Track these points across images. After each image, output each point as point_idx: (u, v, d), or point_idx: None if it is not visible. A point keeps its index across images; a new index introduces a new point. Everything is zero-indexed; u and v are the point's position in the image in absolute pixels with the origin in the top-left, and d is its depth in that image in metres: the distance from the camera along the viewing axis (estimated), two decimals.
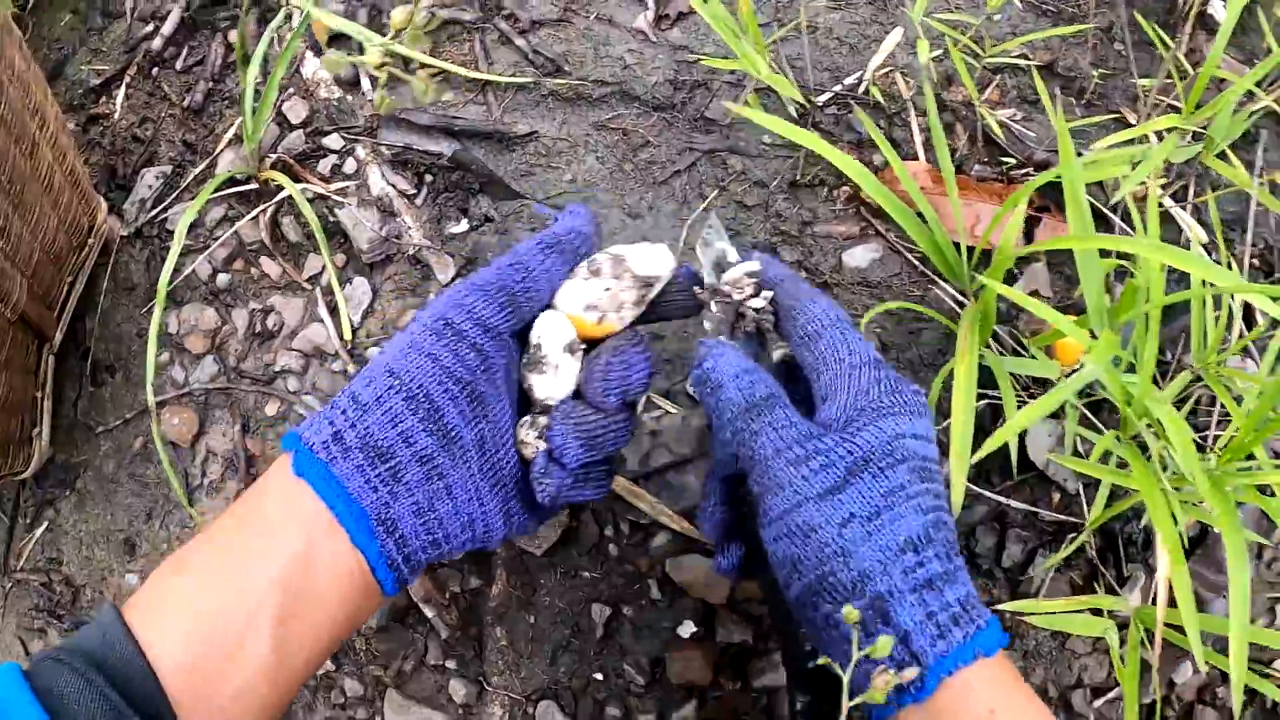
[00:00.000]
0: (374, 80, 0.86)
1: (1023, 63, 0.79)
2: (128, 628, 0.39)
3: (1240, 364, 0.78)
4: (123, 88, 0.91)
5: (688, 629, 0.71)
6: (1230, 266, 0.80)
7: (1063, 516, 0.71)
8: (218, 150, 0.86)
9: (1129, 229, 0.78)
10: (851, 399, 0.46)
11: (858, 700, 0.40)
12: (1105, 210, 0.77)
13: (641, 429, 0.73)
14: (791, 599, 0.45)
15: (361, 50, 0.66)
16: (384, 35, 0.79)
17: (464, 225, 0.80)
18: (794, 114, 0.77)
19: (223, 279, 0.82)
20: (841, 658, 0.41)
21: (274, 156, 0.83)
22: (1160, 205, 0.78)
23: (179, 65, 0.91)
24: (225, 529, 0.45)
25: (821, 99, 0.79)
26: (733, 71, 0.80)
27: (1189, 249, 0.78)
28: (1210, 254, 0.80)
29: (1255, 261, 0.81)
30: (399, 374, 0.45)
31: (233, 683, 0.40)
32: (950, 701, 0.40)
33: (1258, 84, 0.80)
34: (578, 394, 0.50)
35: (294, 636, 0.42)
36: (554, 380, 0.49)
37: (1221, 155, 0.76)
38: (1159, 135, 0.76)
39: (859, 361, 0.47)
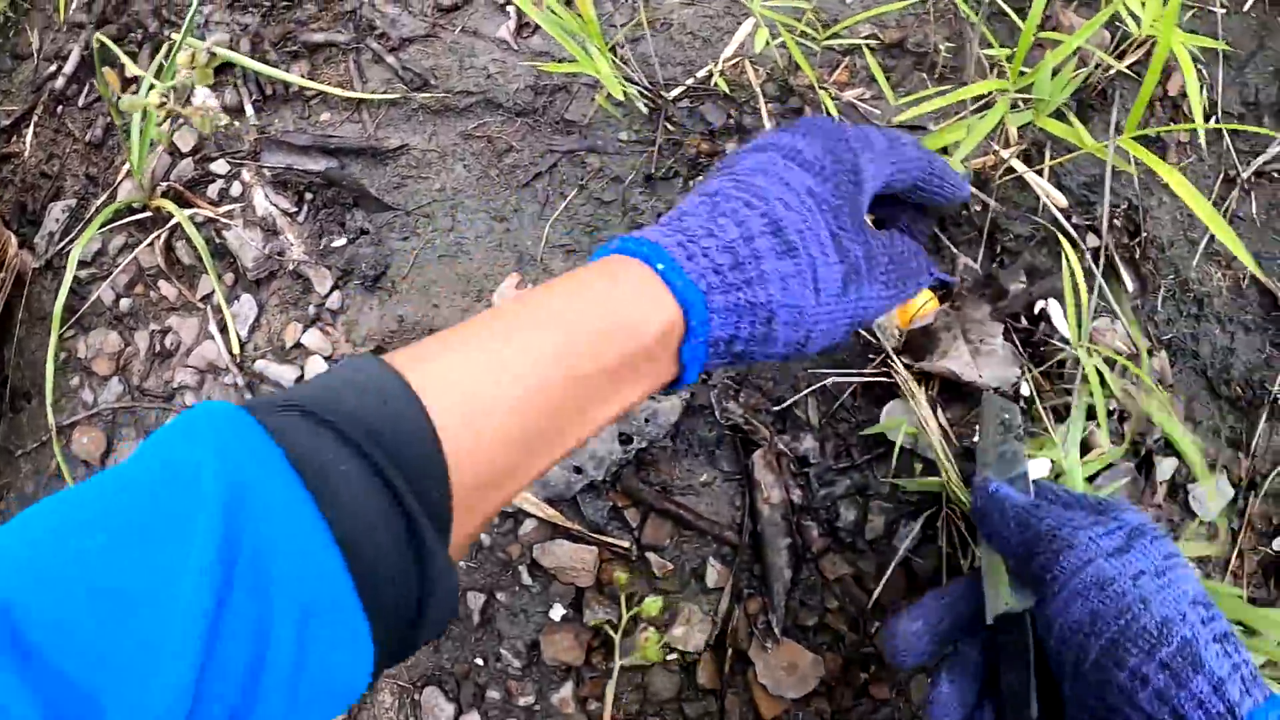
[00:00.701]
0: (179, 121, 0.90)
1: (863, 42, 0.80)
2: (416, 396, 0.34)
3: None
4: (31, 126, 0.96)
5: (558, 612, 0.74)
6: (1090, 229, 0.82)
7: (925, 488, 0.73)
8: (117, 181, 0.90)
9: (987, 199, 0.80)
10: (1093, 502, 0.53)
11: None
12: None
13: None
14: (1088, 667, 0.43)
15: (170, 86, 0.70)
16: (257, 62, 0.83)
17: (342, 239, 0.84)
18: (643, 109, 0.80)
19: (125, 303, 0.87)
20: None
21: (165, 185, 0.87)
22: (1014, 171, 0.80)
23: (81, 102, 0.96)
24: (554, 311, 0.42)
25: (674, 93, 0.81)
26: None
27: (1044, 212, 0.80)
28: (1070, 217, 0.81)
29: (1116, 221, 0.82)
30: (810, 340, 0.48)
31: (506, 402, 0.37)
32: None
33: (1113, 49, 0.81)
34: None
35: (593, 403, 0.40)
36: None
37: (1060, 116, 0.78)
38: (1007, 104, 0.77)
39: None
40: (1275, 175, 0.85)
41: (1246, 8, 0.88)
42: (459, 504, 0.34)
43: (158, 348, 0.85)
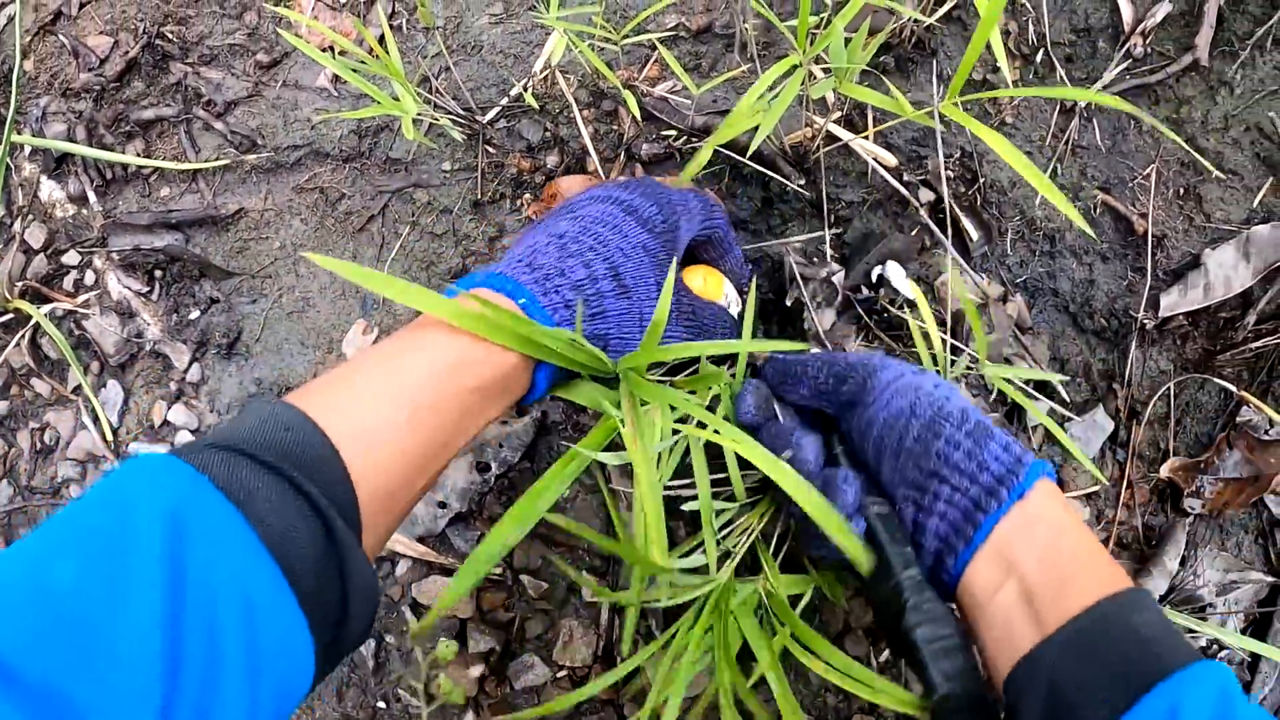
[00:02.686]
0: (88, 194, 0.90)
1: (661, 35, 0.79)
2: (315, 424, 0.39)
3: None
4: None
5: (446, 646, 0.75)
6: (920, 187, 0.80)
7: None
8: None
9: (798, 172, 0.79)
10: None
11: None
12: (783, 159, 0.78)
13: None
14: (911, 441, 0.53)
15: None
16: (92, 148, 0.84)
17: (195, 312, 0.85)
18: (459, 138, 0.80)
19: (2, 405, 0.88)
20: (961, 484, 0.50)
21: (22, 284, 0.88)
22: (838, 139, 0.79)
23: None
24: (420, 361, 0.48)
25: (489, 115, 0.81)
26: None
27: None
28: (901, 176, 0.80)
29: (950, 172, 0.81)
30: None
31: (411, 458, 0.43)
32: (1043, 505, 0.49)
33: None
34: None
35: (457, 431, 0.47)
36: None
37: (874, 78, 0.77)
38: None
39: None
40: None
41: None
42: (364, 512, 0.39)
43: (38, 445, 0.87)
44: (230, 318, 0.83)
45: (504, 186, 0.80)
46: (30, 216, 0.92)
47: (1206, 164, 0.81)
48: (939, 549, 0.52)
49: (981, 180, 0.80)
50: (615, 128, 0.79)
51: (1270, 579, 0.79)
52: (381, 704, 0.76)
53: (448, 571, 0.75)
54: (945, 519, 0.51)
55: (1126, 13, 0.86)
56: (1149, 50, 0.85)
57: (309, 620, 0.35)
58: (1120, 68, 0.84)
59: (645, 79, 0.81)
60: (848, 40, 0.70)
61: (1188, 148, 0.81)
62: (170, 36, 0.93)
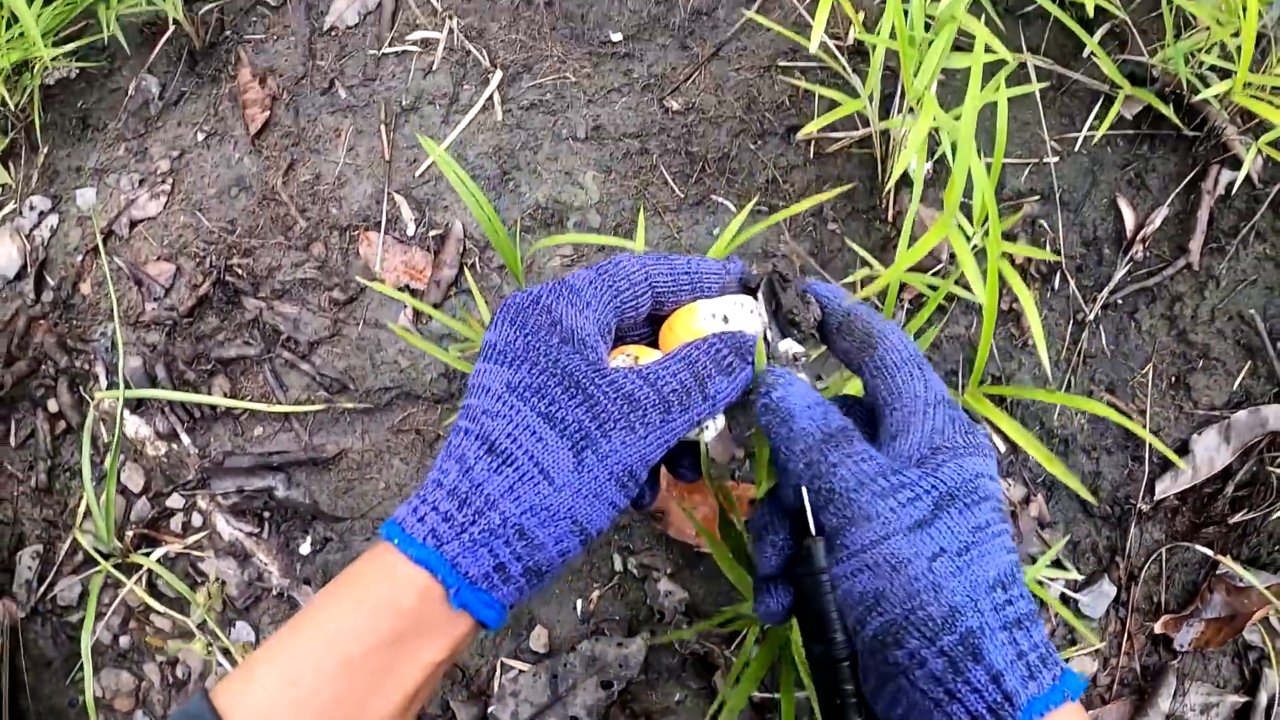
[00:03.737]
0: (184, 437, 0.94)
1: None
2: (216, 712, 0.40)
3: None
4: None
5: None
6: None
7: None
8: (78, 523, 0.95)
9: None
10: (926, 435, 0.46)
11: None
12: None
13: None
14: (867, 637, 0.43)
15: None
16: (177, 389, 0.87)
17: (308, 547, 0.91)
18: None
19: (124, 640, 0.94)
20: (919, 700, 0.41)
21: (131, 531, 0.93)
22: None
23: (12, 442, 0.99)
24: (322, 604, 0.45)
25: None
26: None
27: None
28: None
29: None
30: (581, 522, 0.45)
31: None
32: None
33: None
34: None
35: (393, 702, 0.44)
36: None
37: None
38: None
39: (934, 399, 0.47)
40: (1119, 303, 0.95)
41: (1077, 147, 0.95)
42: None
43: (170, 679, 0.93)
44: (346, 555, 0.90)
45: None
46: (122, 456, 0.95)
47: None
48: None
49: (1006, 400, 0.92)
50: None
51: (1244, 698, 0.98)
52: None
53: None
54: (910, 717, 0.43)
55: (1129, 220, 0.97)
56: (1148, 254, 0.97)
57: None
58: (1124, 271, 0.95)
59: None
60: None
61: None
62: (239, 270, 0.95)
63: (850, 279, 0.90)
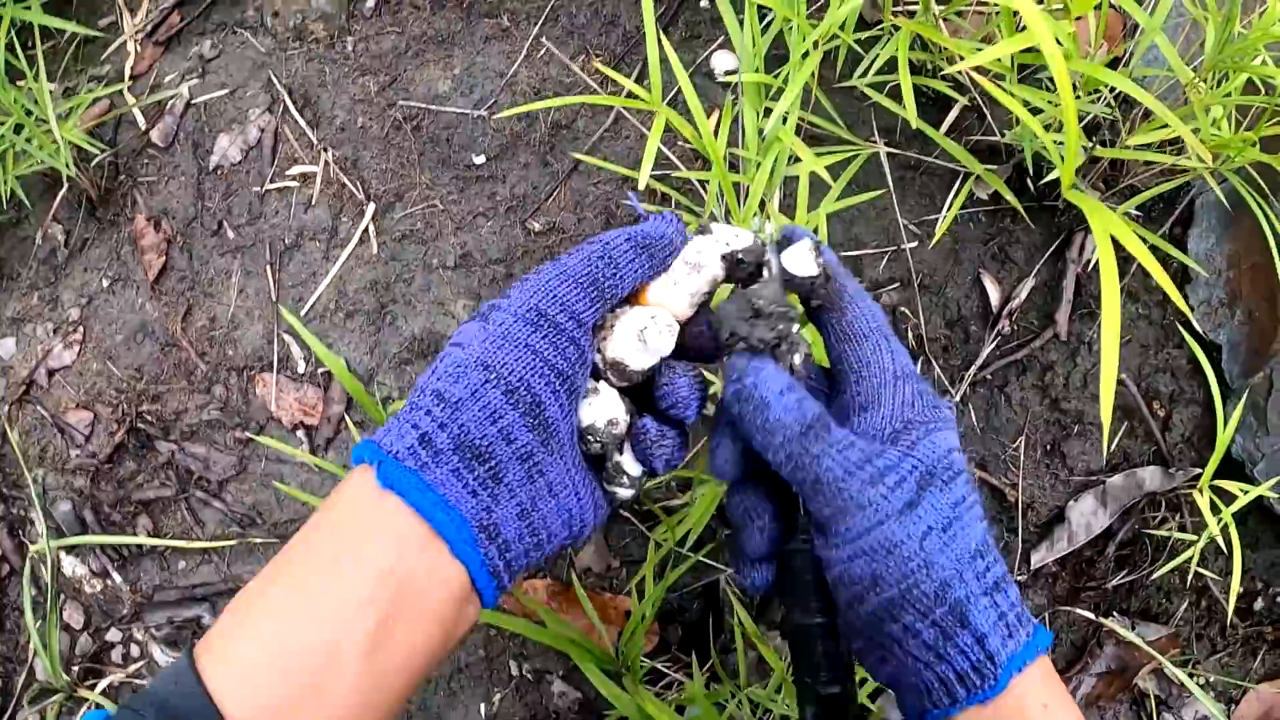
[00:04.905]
0: (117, 570, 1.01)
1: None
2: (199, 675, 0.38)
3: None
4: None
5: None
6: None
7: None
8: (30, 658, 1.04)
9: None
10: (897, 410, 0.47)
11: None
12: None
13: None
14: (864, 615, 0.45)
15: None
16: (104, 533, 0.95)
17: None
18: None
19: None
20: (915, 666, 0.44)
21: (78, 666, 1.01)
22: None
23: None
24: (300, 553, 0.42)
25: None
26: None
27: None
28: None
29: None
30: (495, 367, 0.43)
31: None
32: (1013, 699, 0.43)
33: None
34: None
35: (385, 666, 0.40)
36: (645, 353, 0.47)
37: None
38: None
39: (902, 372, 0.48)
40: (988, 378, 0.97)
41: (936, 228, 0.97)
42: None
43: None
44: None
45: None
46: (63, 596, 1.03)
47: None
48: (890, 687, 0.49)
49: None
50: None
51: None
52: None
53: None
54: (895, 681, 0.47)
55: (994, 296, 0.98)
56: (1016, 327, 0.98)
57: None
58: (991, 346, 0.97)
59: None
60: None
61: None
62: (149, 416, 1.01)
63: None
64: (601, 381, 0.48)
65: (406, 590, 0.40)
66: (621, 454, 0.48)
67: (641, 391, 0.49)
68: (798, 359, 0.48)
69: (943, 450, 0.46)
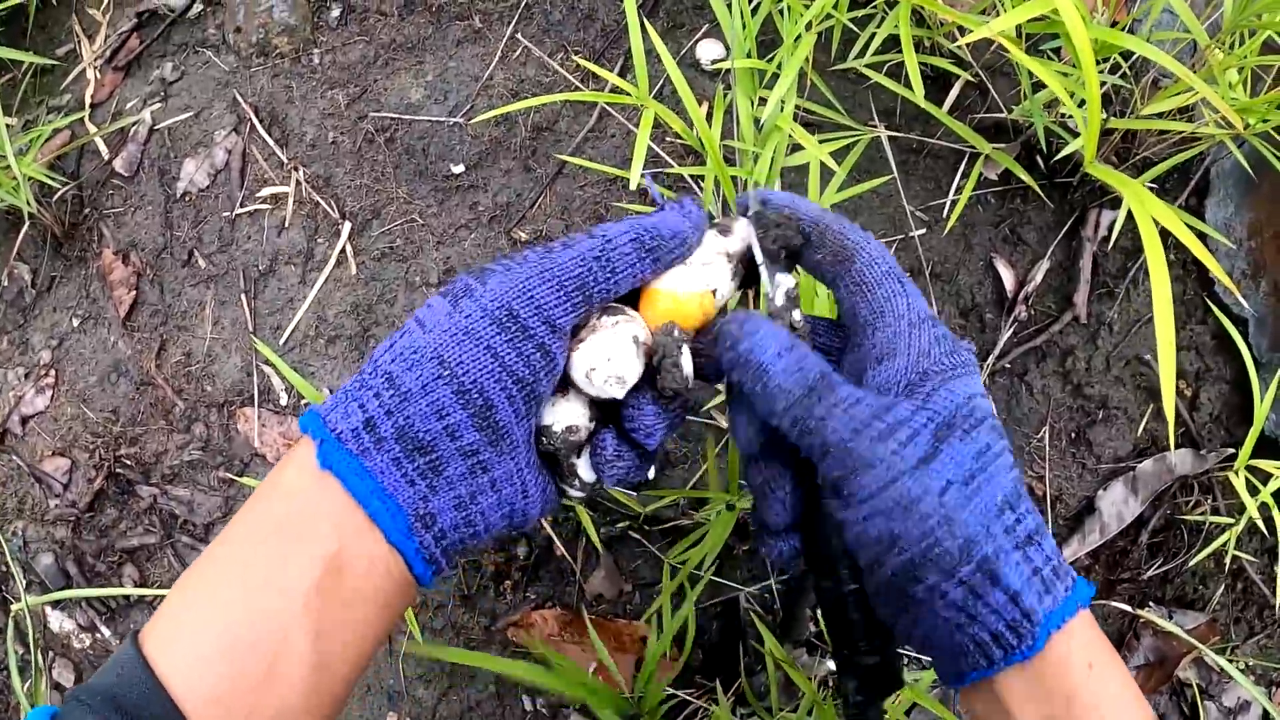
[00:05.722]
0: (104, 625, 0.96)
1: None
2: (146, 661, 0.37)
3: None
4: None
5: None
6: None
7: None
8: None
9: None
10: (914, 360, 0.44)
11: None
12: None
13: None
14: (884, 577, 0.42)
15: None
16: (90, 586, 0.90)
17: None
18: None
19: None
20: (945, 629, 0.41)
21: None
22: None
23: None
24: (245, 533, 0.41)
25: None
26: None
27: None
28: None
29: None
30: (450, 364, 0.41)
31: (268, 708, 0.38)
32: (1055, 658, 0.41)
33: None
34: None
35: (331, 648, 0.40)
36: (593, 390, 0.44)
37: None
38: None
39: (918, 318, 0.45)
40: (1007, 367, 0.93)
41: (945, 213, 0.92)
42: None
43: None
44: None
45: (486, 581, 0.89)
46: (52, 653, 0.98)
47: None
48: (923, 653, 0.46)
49: None
50: (572, 514, 0.87)
51: None
52: None
53: None
54: (928, 646, 0.43)
55: (1008, 280, 0.93)
56: (1033, 311, 0.93)
57: None
58: (1009, 334, 0.92)
59: None
60: None
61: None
62: (128, 460, 0.96)
63: None
64: (571, 387, 0.45)
65: (347, 575, 0.40)
66: (579, 458, 0.46)
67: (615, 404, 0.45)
68: (797, 315, 0.46)
69: (961, 398, 0.42)
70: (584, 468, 0.46)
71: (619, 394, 0.44)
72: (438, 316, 0.42)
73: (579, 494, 0.47)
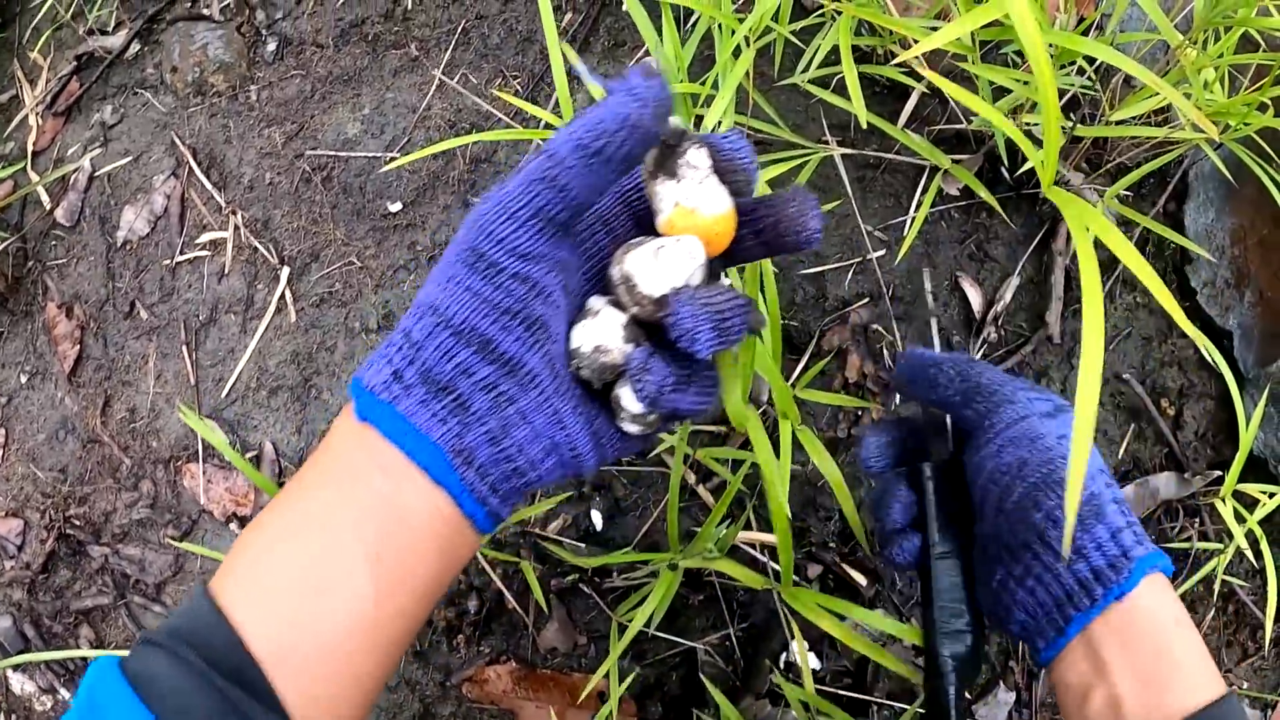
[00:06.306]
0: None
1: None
2: (213, 600, 0.39)
3: None
4: None
5: None
6: None
7: None
8: None
9: None
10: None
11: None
12: None
13: None
14: (1011, 504, 0.49)
15: None
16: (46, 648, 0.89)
17: None
18: None
19: None
20: (1055, 570, 0.47)
21: None
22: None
23: None
24: (301, 485, 0.43)
25: None
26: None
27: None
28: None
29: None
30: (440, 309, 0.42)
31: (328, 637, 0.39)
32: (1147, 606, 0.45)
33: None
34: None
35: (390, 581, 0.41)
36: (662, 272, 0.41)
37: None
38: None
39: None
40: None
41: (905, 231, 0.87)
42: (288, 681, 0.39)
43: None
44: None
45: (438, 636, 0.86)
46: (14, 715, 0.97)
47: None
48: (1026, 625, 0.49)
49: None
50: (519, 568, 0.84)
51: None
52: None
53: None
54: (1034, 596, 0.48)
55: (975, 300, 0.88)
56: (1003, 332, 0.88)
57: None
58: (978, 357, 0.87)
59: (535, 522, 0.85)
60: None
61: None
62: (77, 520, 0.95)
63: None
64: (606, 304, 0.44)
65: (397, 515, 0.41)
66: (623, 386, 0.44)
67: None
68: None
69: (1061, 399, 0.53)
70: (628, 397, 0.44)
71: (683, 276, 0.41)
72: (435, 269, 0.45)
73: (636, 428, 0.44)
